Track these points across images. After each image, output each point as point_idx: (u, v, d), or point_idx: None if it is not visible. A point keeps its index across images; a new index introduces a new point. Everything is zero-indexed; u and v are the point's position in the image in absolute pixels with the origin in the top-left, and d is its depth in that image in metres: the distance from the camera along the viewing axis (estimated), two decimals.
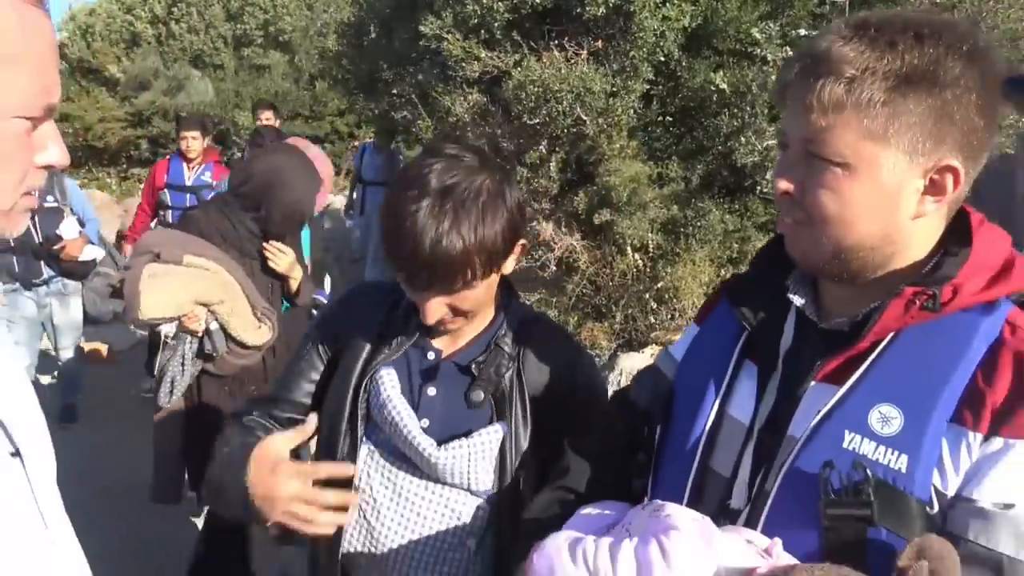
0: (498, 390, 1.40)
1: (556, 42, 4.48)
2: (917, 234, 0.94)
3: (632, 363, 4.46)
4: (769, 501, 0.95)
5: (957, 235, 0.95)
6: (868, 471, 0.87)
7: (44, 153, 0.83)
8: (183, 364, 2.78)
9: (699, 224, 4.54)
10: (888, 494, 0.86)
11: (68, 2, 16.75)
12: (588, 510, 1.03)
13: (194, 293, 2.68)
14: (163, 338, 2.79)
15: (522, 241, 1.38)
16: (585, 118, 4.33)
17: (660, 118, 4.73)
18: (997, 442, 0.84)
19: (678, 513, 0.88)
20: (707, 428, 1.05)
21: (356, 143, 11.62)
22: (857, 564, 0.79)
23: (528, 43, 4.47)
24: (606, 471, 1.20)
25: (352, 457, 1.43)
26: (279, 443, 1.31)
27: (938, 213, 0.94)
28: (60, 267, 4.53)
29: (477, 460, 1.37)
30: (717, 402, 1.05)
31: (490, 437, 1.38)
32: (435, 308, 1.33)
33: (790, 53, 4.09)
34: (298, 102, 14.00)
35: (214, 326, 2.74)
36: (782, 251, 1.04)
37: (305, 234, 3.39)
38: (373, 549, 1.43)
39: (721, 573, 0.82)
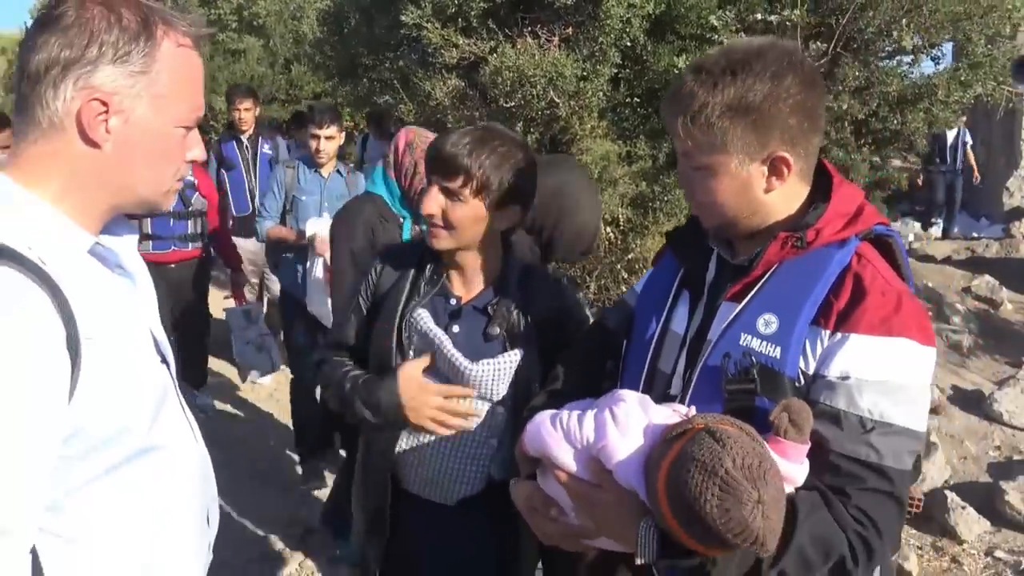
0: (509, 324, 1.77)
1: (529, 29, 4.75)
2: (776, 201, 1.30)
3: None
4: (693, 385, 1.30)
5: (823, 193, 1.30)
6: (754, 359, 1.23)
7: (191, 152, 1.17)
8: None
9: (666, 199, 4.86)
10: (767, 374, 1.22)
11: None
12: (571, 404, 1.38)
13: None
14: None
15: (518, 209, 1.75)
16: (558, 101, 4.61)
17: (628, 100, 5.02)
18: (838, 335, 1.20)
19: (626, 393, 1.25)
20: (655, 339, 1.41)
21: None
22: (746, 422, 1.13)
23: (503, 31, 4.74)
24: (585, 376, 1.56)
25: None
26: (416, 367, 1.76)
27: (787, 186, 1.28)
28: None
29: (499, 376, 1.75)
30: (662, 320, 1.41)
31: (509, 359, 1.75)
32: (432, 196, 1.70)
33: (744, 37, 4.41)
34: (274, 86, 14.13)
35: None
36: None
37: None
38: (417, 448, 1.81)
39: (651, 427, 1.18)
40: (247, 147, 5.77)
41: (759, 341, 1.24)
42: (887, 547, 1.22)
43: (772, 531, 1.07)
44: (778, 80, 1.22)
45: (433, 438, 1.80)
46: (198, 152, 1.18)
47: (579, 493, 1.25)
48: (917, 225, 10.89)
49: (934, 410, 4.49)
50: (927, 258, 7.59)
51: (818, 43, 4.60)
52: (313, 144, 4.23)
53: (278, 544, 3.62)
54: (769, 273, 1.28)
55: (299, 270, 4.09)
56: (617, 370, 1.52)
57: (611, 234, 5.13)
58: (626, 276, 5.11)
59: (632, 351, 1.48)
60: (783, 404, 1.14)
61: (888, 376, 1.18)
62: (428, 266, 1.85)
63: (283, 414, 5.01)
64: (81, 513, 1.07)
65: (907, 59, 5.48)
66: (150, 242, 4.57)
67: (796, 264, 1.26)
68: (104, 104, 1.06)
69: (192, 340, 4.94)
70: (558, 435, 1.27)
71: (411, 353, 1.82)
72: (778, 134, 1.24)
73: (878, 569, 1.32)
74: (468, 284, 1.84)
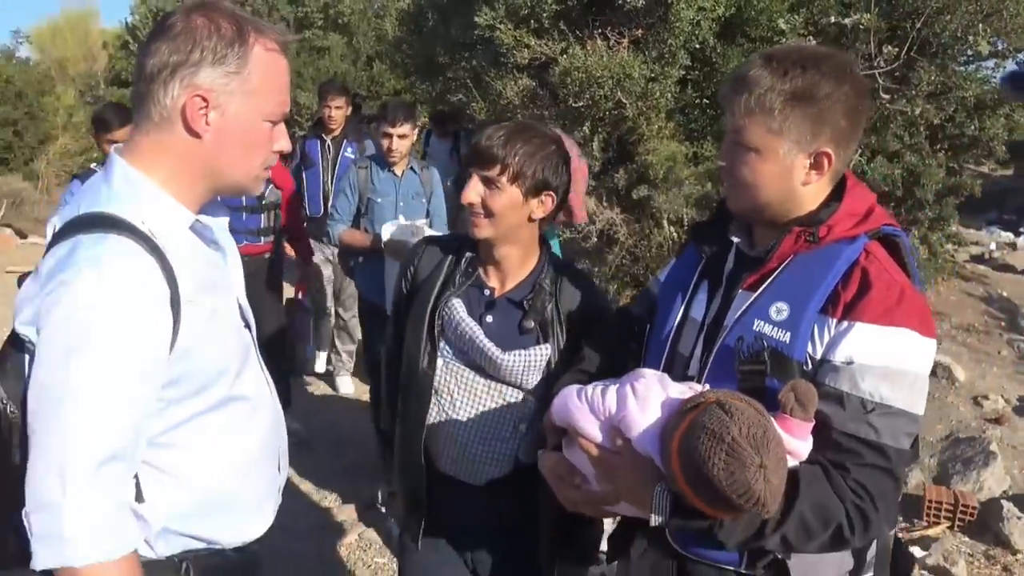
0: (542, 318, 1.86)
1: (599, 31, 4.86)
2: (807, 195, 1.39)
3: None
4: (708, 366, 1.41)
5: (838, 193, 1.40)
6: (765, 342, 1.34)
7: (278, 143, 1.34)
8: None
9: None
10: (777, 357, 1.32)
11: None
12: (596, 382, 1.50)
13: None
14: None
15: (550, 195, 1.82)
16: (625, 101, 4.70)
17: (696, 101, 5.08)
18: (844, 324, 1.30)
19: (646, 371, 1.38)
20: (675, 324, 1.52)
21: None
22: (756, 401, 1.24)
23: (574, 32, 4.86)
24: (610, 357, 1.68)
25: (432, 367, 1.91)
26: None
27: (821, 181, 1.38)
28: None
29: (530, 367, 1.84)
30: (682, 307, 1.52)
31: (540, 351, 1.84)
32: (472, 186, 1.79)
33: (814, 43, 4.42)
34: (356, 82, 14.54)
35: None
36: (727, 208, 1.51)
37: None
38: (448, 432, 1.92)
39: (668, 400, 1.30)
40: (329, 147, 5.44)
41: (771, 327, 1.34)
42: (883, 522, 1.30)
43: (773, 494, 1.17)
44: (840, 82, 1.33)
45: (465, 423, 1.91)
46: (284, 143, 1.34)
47: (601, 460, 1.37)
48: (1004, 234, 10.50)
49: (997, 420, 4.40)
50: (1006, 267, 7.35)
51: (891, 47, 4.56)
52: (385, 143, 4.06)
53: (341, 515, 3.82)
54: (783, 265, 1.38)
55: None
56: (640, 352, 1.63)
57: (675, 233, 5.19)
58: None
59: (654, 335, 1.59)
60: (790, 385, 1.24)
61: (889, 362, 1.27)
62: (465, 258, 1.93)
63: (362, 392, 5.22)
64: (176, 450, 1.27)
65: (988, 64, 5.38)
66: None
67: (808, 257, 1.37)
68: (204, 100, 1.24)
69: (271, 340, 4.46)
70: (583, 407, 1.40)
71: (442, 342, 1.90)
72: (829, 131, 1.34)
73: (875, 544, 1.41)
74: (503, 277, 1.91)
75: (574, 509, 1.51)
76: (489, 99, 5.33)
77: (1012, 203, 11.05)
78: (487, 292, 1.90)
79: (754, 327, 1.36)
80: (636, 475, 1.33)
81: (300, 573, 3.32)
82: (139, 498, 1.23)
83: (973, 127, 5.34)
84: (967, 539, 3.63)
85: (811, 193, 1.39)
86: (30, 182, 12.86)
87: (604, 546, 1.80)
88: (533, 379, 1.85)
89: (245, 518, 1.40)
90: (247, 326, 1.41)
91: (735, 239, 1.49)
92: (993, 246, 9.02)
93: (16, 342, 1.20)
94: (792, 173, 1.36)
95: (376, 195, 4.12)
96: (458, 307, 1.87)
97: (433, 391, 1.93)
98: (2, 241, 10.21)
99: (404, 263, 2.08)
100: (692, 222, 1.66)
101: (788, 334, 1.32)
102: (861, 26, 4.58)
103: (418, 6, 6.61)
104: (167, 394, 1.22)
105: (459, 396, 1.91)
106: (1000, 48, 5.14)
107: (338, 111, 5.33)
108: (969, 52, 5.14)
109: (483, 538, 1.97)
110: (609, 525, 1.80)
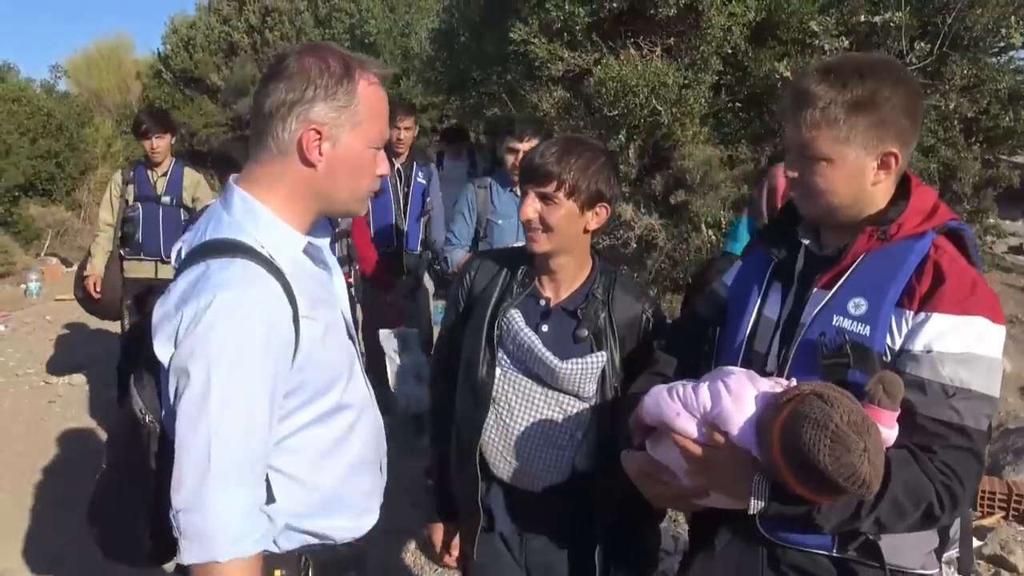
0: (596, 327, 1.92)
1: (632, 41, 4.94)
2: (876, 195, 1.48)
3: None
4: (789, 362, 1.50)
5: (904, 191, 1.48)
6: (847, 336, 1.42)
7: (380, 168, 1.45)
8: None
9: None
10: (859, 350, 1.41)
11: (170, 16, 17.99)
12: (682, 381, 1.57)
13: None
14: None
15: (605, 207, 1.89)
16: (660, 109, 4.78)
17: (729, 105, 5.14)
18: (921, 315, 1.38)
19: (734, 368, 1.47)
20: (751, 323, 1.60)
21: (438, 138, 12.13)
22: None
23: (607, 43, 4.95)
24: (682, 358, 1.77)
25: (490, 376, 1.97)
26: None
27: (888, 180, 1.47)
28: None
29: (586, 375, 1.89)
30: (756, 307, 1.60)
31: (596, 359, 1.90)
32: (530, 202, 1.86)
33: (846, 43, 4.48)
34: None
35: None
36: (795, 211, 1.60)
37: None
38: (506, 439, 1.97)
39: (760, 394, 1.38)
40: (400, 173, 5.01)
41: (850, 321, 1.43)
42: (967, 499, 1.38)
43: (876, 475, 1.25)
44: (896, 85, 1.42)
45: (522, 431, 1.95)
46: (384, 167, 1.47)
47: (697, 455, 1.43)
48: None
49: None
50: None
51: (922, 43, 4.60)
52: (510, 159, 3.76)
53: (408, 520, 3.91)
54: (856, 263, 1.47)
55: None
56: (711, 353, 1.71)
57: (713, 236, 5.25)
58: None
59: (727, 335, 1.67)
60: (878, 376, 1.32)
61: (966, 349, 1.35)
62: (520, 270, 1.98)
63: None
64: (298, 454, 1.39)
65: (1020, 55, 5.39)
66: None
67: (880, 254, 1.45)
68: (318, 132, 1.35)
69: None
70: (676, 405, 1.46)
71: (500, 351, 1.96)
72: (893, 132, 1.42)
73: (958, 522, 1.48)
74: (558, 287, 1.96)
75: (662, 505, 1.59)
76: (525, 112, 5.43)
77: None
78: (543, 302, 1.96)
79: (834, 322, 1.44)
80: (734, 467, 1.40)
81: None
82: (269, 499, 1.34)
83: (1008, 118, 5.34)
84: (1021, 527, 3.65)
85: (880, 192, 1.48)
86: (72, 212, 13.20)
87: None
88: (590, 387, 1.90)
89: (355, 516, 1.52)
90: (351, 338, 1.53)
91: (805, 241, 1.57)
92: None
93: (152, 358, 1.31)
94: (862, 175, 1.45)
95: (497, 216, 3.92)
96: (517, 317, 1.93)
97: (492, 400, 1.97)
98: (50, 271, 10.51)
99: (458, 277, 2.13)
100: (758, 229, 1.73)
101: (868, 327, 1.41)
102: (892, 24, 4.62)
103: (449, 24, 6.74)
104: (289, 403, 1.34)
105: (517, 405, 1.96)
106: None
107: (407, 132, 4.92)
108: (1001, 44, 5.15)
109: (540, 544, 2.02)
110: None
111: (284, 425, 1.35)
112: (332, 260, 1.54)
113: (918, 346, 1.37)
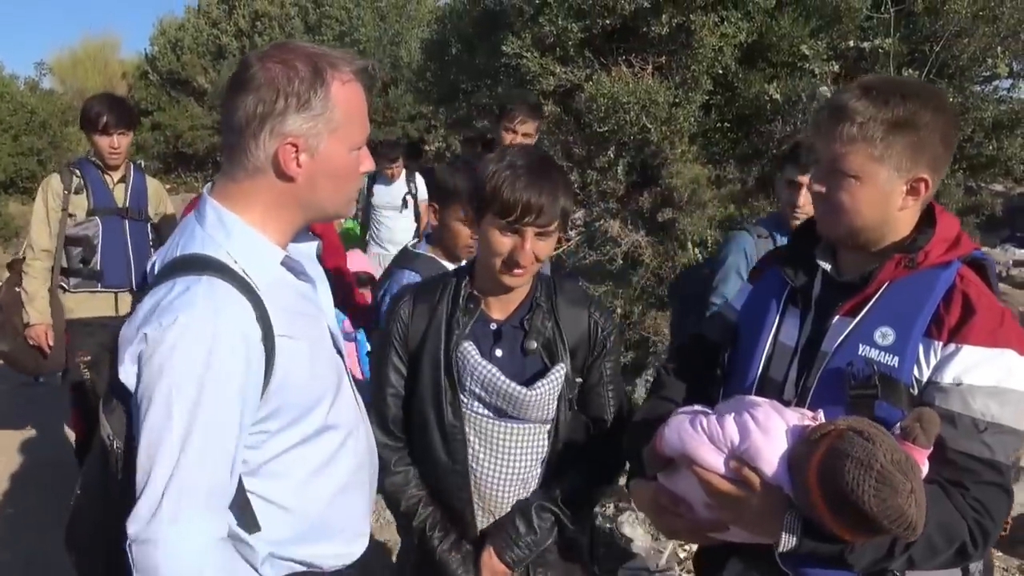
0: (544, 337, 1.82)
1: (624, 58, 4.96)
2: (901, 220, 1.45)
3: None
4: (811, 392, 1.45)
5: (928, 219, 1.46)
6: (874, 367, 1.38)
7: (363, 166, 1.39)
8: None
9: (753, 221, 4.98)
10: (887, 381, 1.37)
11: (158, 18, 17.88)
12: (683, 409, 1.52)
13: None
14: None
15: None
16: (650, 126, 4.79)
17: (719, 125, 5.16)
18: (951, 347, 1.35)
19: (758, 399, 1.41)
20: (766, 350, 1.55)
21: (427, 147, 12.06)
22: None
23: (599, 60, 4.97)
24: (691, 384, 1.69)
25: (459, 419, 1.82)
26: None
27: (915, 207, 1.44)
28: None
29: (552, 395, 1.80)
30: (772, 333, 1.56)
31: (559, 373, 1.80)
32: (532, 242, 1.69)
33: (835, 67, 4.51)
34: (372, 108, 14.72)
35: None
36: (810, 233, 1.55)
37: None
38: (474, 482, 1.86)
39: (791, 428, 1.32)
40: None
41: (877, 351, 1.39)
42: (996, 535, 1.35)
43: (921, 516, 1.20)
44: (937, 111, 1.39)
45: (484, 470, 1.84)
46: (368, 164, 1.40)
47: (723, 491, 1.38)
48: (1020, 251, 10.51)
49: None
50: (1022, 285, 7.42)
51: (910, 70, 4.65)
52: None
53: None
54: (880, 291, 1.43)
55: None
56: (721, 379, 1.66)
57: (699, 255, 5.27)
58: None
59: (740, 360, 1.61)
60: (916, 412, 1.29)
61: (997, 382, 1.32)
62: (460, 295, 1.83)
63: None
64: (280, 479, 1.32)
65: (1004, 85, 5.46)
66: None
67: (906, 283, 1.41)
68: (295, 146, 1.27)
69: None
70: (701, 437, 1.40)
71: (466, 388, 1.80)
72: (928, 158, 1.40)
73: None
74: (506, 305, 1.84)
75: (675, 538, 1.54)
76: None
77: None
78: (492, 325, 1.84)
79: (860, 352, 1.40)
80: (764, 503, 1.35)
81: None
82: (252, 527, 1.27)
83: (991, 147, 5.41)
84: (1000, 554, 3.66)
85: (905, 218, 1.45)
86: None
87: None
88: (552, 407, 1.81)
89: (344, 542, 1.46)
90: (339, 352, 1.47)
91: (824, 265, 1.53)
92: (1010, 263, 9.05)
93: (119, 383, 1.24)
94: (890, 199, 1.41)
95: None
96: (471, 350, 1.80)
97: (467, 443, 1.83)
98: None
99: (388, 327, 1.92)
100: (772, 251, 1.70)
101: (896, 358, 1.38)
102: (881, 50, 4.67)
103: (442, 35, 6.74)
104: (267, 426, 1.27)
105: (480, 447, 1.84)
106: (1017, 69, 5.22)
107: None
108: (986, 73, 5.22)
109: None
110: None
111: (265, 449, 1.28)
112: (317, 270, 1.47)
113: (947, 378, 1.34)
